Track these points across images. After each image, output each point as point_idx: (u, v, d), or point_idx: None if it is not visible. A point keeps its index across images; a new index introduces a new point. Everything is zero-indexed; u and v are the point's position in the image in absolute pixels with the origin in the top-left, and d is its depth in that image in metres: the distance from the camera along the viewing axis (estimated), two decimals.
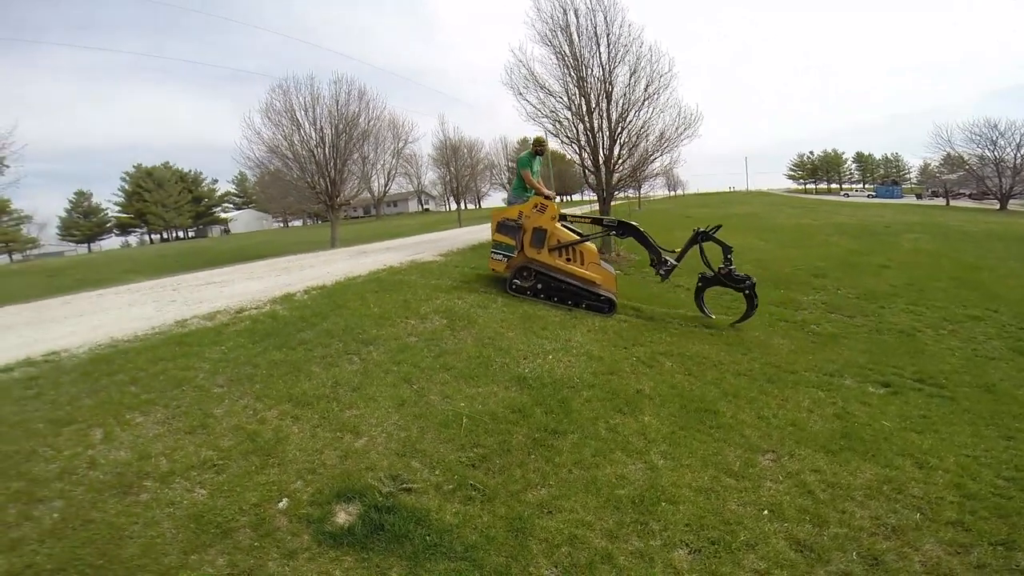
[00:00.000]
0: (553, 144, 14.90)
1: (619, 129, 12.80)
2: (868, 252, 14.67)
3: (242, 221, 70.29)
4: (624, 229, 7.10)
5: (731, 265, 6.78)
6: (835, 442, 3.92)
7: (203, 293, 7.59)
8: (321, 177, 17.17)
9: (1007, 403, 4.94)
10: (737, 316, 7.04)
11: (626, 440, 3.66)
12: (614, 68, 12.73)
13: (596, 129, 12.88)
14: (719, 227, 6.94)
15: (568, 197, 57.78)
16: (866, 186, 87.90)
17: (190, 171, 68.54)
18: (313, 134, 16.84)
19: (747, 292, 6.73)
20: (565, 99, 12.85)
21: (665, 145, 13.04)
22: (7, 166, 23.65)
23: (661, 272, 7.01)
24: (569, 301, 6.65)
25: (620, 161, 13.02)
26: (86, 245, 63.53)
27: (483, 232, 15.89)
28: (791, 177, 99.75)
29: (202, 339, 5.10)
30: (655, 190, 47.87)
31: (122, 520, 2.56)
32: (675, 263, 7.02)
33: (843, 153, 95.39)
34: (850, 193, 77.50)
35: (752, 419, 4.17)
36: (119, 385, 3.98)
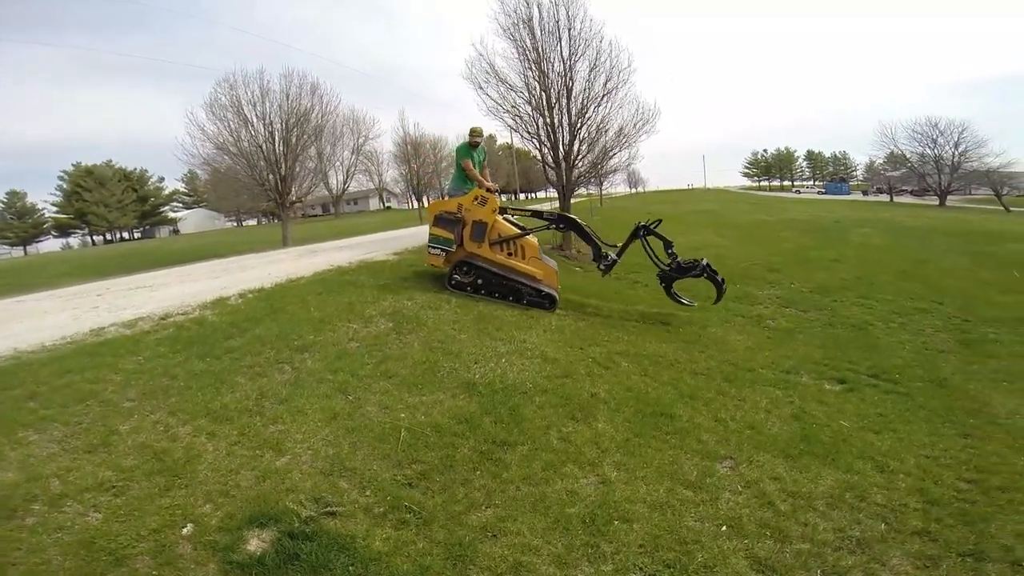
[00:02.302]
0: (514, 139, 14.66)
1: (579, 124, 12.67)
2: (820, 247, 15.02)
3: (192, 221, 67.23)
4: (564, 223, 6.92)
5: (677, 258, 6.66)
6: (794, 446, 3.78)
7: (130, 299, 6.98)
8: (271, 173, 16.40)
9: (960, 398, 4.95)
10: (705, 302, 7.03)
11: (579, 451, 3.41)
12: (575, 63, 12.62)
13: (556, 124, 12.71)
14: (659, 221, 6.82)
15: (533, 195, 57.74)
16: (816, 183, 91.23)
17: (135, 169, 65.09)
18: (262, 129, 16.04)
19: (706, 274, 6.58)
20: (526, 93, 12.64)
21: (624, 140, 13.02)
22: None
23: (602, 267, 6.85)
24: (510, 296, 6.44)
25: (580, 156, 12.89)
26: (22, 247, 59.68)
27: None
28: (746, 175, 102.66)
29: (117, 349, 4.62)
30: (616, 187, 48.41)
31: (2, 546, 2.29)
32: (615, 258, 6.85)
33: (795, 151, 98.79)
34: (801, 190, 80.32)
35: (709, 422, 4.00)
36: (15, 400, 3.61)
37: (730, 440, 3.77)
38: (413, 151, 31.45)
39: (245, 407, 3.64)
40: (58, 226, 62.58)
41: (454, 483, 3.04)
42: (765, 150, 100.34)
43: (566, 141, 12.66)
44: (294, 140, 16.49)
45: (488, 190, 6.76)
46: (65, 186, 60.30)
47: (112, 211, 60.03)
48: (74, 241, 64.13)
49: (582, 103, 12.63)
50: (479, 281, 6.49)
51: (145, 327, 5.22)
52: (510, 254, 6.54)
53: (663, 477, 3.24)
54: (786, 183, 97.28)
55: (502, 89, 12.64)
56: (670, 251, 6.64)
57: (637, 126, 12.97)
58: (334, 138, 31.00)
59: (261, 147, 16.14)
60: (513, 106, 12.63)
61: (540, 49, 12.50)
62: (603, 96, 12.64)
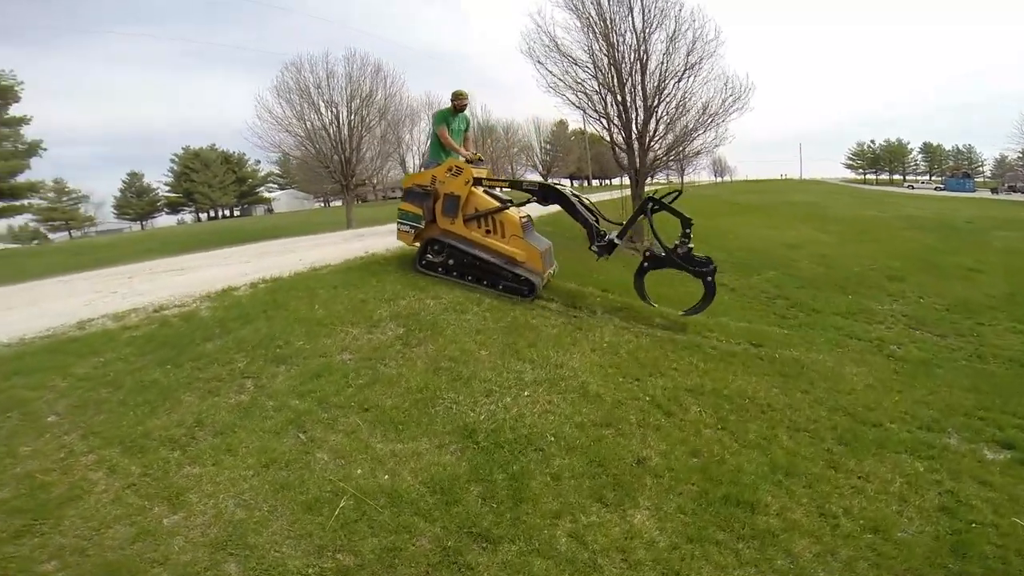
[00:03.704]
0: (581, 120, 13.25)
1: (655, 102, 11.10)
2: (951, 251, 12.47)
3: (284, 201, 71.11)
4: (547, 194, 5.77)
5: (689, 243, 5.28)
6: (942, 562, 2.41)
7: (156, 282, 6.60)
8: (335, 155, 16.16)
9: None
10: (690, 305, 5.55)
11: (593, 560, 2.25)
12: (650, 35, 11.04)
13: (629, 102, 11.22)
14: (678, 193, 5.48)
15: (607, 181, 55.37)
16: (933, 178, 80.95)
17: (234, 152, 69.62)
18: (325, 111, 15.79)
19: (708, 279, 5.22)
20: (592, 68, 11.22)
21: (709, 120, 11.26)
22: (44, 148, 24.19)
23: (594, 248, 5.62)
24: (485, 281, 5.66)
25: (656, 138, 11.32)
26: (139, 223, 66.00)
27: None
28: (849, 166, 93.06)
29: (83, 348, 4.08)
30: (699, 173, 45.14)
31: None
32: (617, 240, 5.57)
33: (908, 143, 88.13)
34: (915, 185, 71.39)
35: (810, 519, 2.68)
36: None
37: (838, 553, 2.46)
38: (487, 135, 30.64)
39: (170, 436, 2.89)
40: (169, 204, 68.46)
41: None
42: (873, 141, 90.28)
43: (640, 121, 11.16)
44: (358, 122, 16.11)
45: (468, 160, 5.90)
46: (176, 168, 65.69)
47: (215, 191, 64.69)
48: (188, 217, 69.96)
49: (659, 78, 11.05)
50: (450, 261, 5.77)
51: (133, 320, 4.66)
52: (488, 231, 5.65)
53: None
54: (896, 177, 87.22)
55: (564, 63, 11.31)
56: (687, 231, 5.27)
57: (726, 103, 11.19)
58: (411, 122, 30.87)
59: (327, 129, 15.91)
60: (578, 82, 11.27)
61: (608, 20, 11.02)
62: (684, 70, 11.00)
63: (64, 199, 59.09)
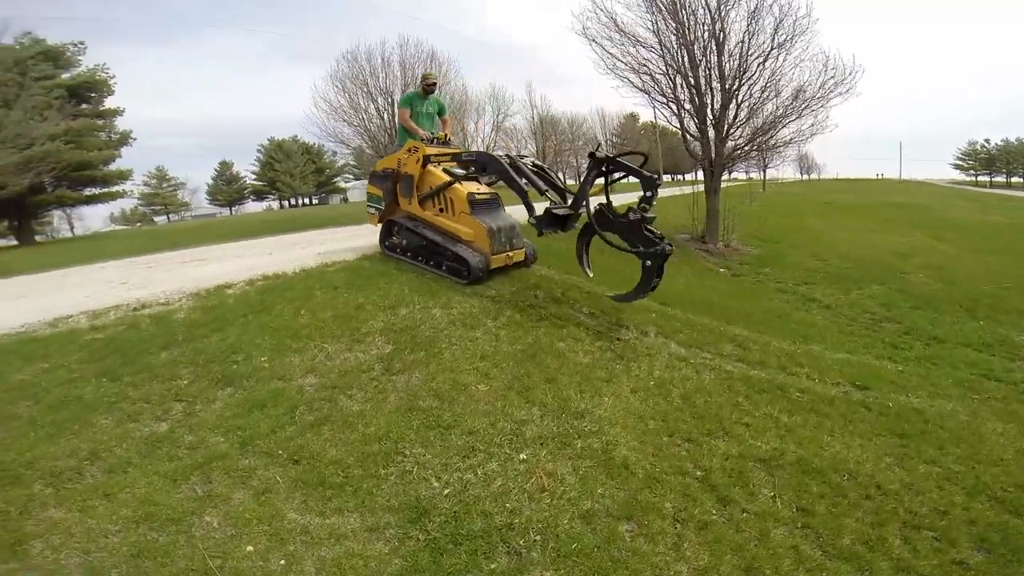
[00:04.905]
0: (640, 101, 11.89)
1: (735, 84, 9.67)
2: None
3: (359, 190, 73.83)
4: (487, 164, 5.14)
5: (649, 212, 4.07)
6: None
7: (171, 273, 6.29)
8: (392, 144, 15.90)
9: None
10: (625, 289, 4.42)
11: None
12: (727, 12, 9.62)
13: (704, 86, 9.86)
14: (645, 157, 4.49)
15: (680, 176, 52.56)
16: None
17: (314, 144, 72.89)
18: (381, 101, 15.52)
19: (647, 263, 4.02)
20: (658, 48, 9.94)
21: (804, 105, 9.68)
22: (134, 138, 25.86)
23: (532, 221, 4.73)
24: (431, 261, 5.39)
25: (736, 124, 9.88)
26: (229, 208, 70.79)
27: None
28: (959, 167, 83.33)
29: (37, 350, 3.67)
30: (783, 169, 41.38)
31: None
32: (561, 210, 4.59)
33: None
34: None
35: None
36: None
37: None
38: (542, 126, 29.63)
39: (54, 469, 2.35)
40: (255, 192, 72.93)
41: None
42: (987, 140, 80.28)
43: (717, 105, 9.77)
44: None
45: (430, 140, 5.67)
46: (261, 157, 69.81)
47: (295, 180, 68.18)
48: (275, 204, 74.26)
49: (741, 58, 9.62)
50: (405, 242, 5.67)
51: (108, 319, 4.19)
52: (441, 209, 5.35)
53: None
54: (1015, 179, 77.23)
55: (625, 43, 10.10)
56: (648, 195, 4.06)
57: (826, 86, 9.56)
58: (476, 113, 30.89)
59: (382, 117, 15.62)
60: (640, 63, 10.02)
61: None
62: (771, 49, 9.51)
63: (164, 185, 64.52)
